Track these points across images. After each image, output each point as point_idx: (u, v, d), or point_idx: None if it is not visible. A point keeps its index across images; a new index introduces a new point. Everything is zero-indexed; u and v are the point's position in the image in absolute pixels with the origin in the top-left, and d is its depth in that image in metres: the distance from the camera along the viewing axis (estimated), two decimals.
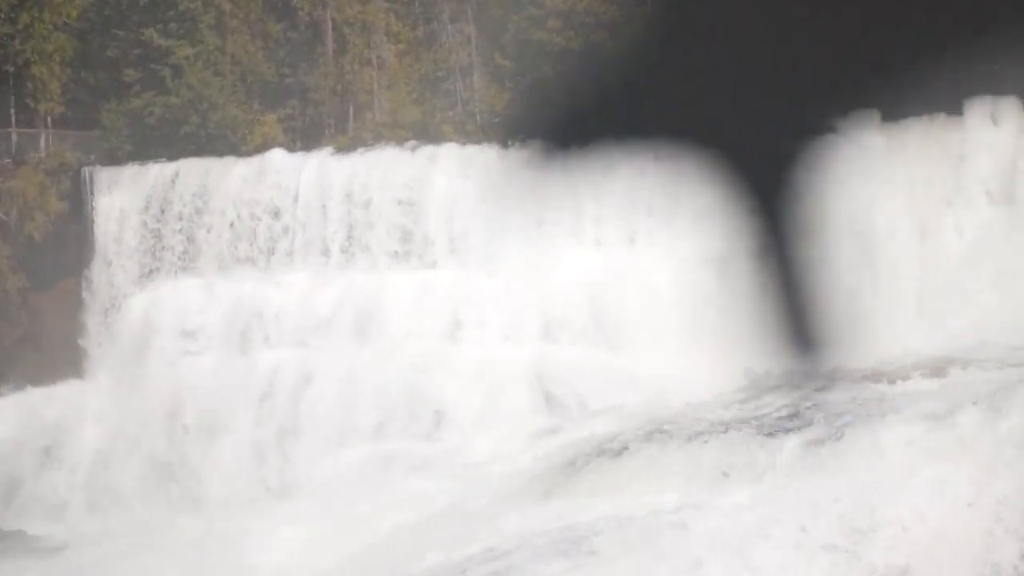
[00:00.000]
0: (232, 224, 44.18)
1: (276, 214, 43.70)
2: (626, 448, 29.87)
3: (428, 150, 43.59)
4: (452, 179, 42.47)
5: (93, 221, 45.79)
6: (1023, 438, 26.05)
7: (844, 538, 25.44)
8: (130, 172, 46.34)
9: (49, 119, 49.72)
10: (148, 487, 41.38)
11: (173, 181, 45.27)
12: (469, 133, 46.50)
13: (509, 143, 44.04)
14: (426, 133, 45.83)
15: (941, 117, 38.90)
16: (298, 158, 44.86)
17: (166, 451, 41.49)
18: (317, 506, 34.53)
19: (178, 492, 40.85)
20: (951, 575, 24.84)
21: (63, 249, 45.85)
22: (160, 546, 35.06)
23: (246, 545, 33.28)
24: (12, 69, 48.21)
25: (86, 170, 46.75)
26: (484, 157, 43.01)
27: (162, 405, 41.76)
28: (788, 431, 28.26)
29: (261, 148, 46.07)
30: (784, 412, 29.58)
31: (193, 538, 34.87)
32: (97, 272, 45.37)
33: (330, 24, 50.73)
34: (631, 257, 39.88)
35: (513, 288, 40.41)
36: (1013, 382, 27.94)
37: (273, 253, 43.65)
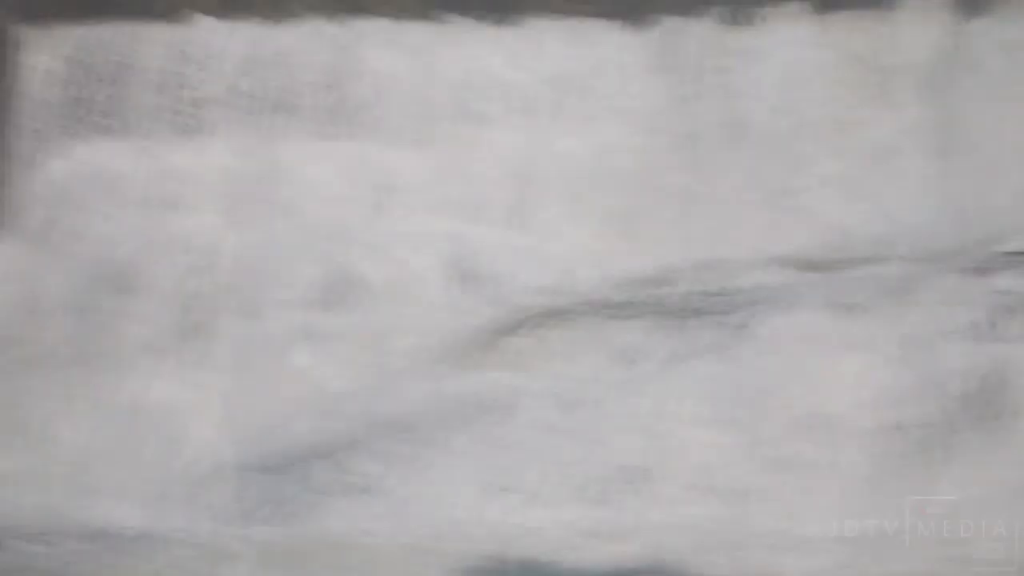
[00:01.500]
0: (157, 89, 43.83)
1: (201, 80, 43.40)
2: (537, 328, 30.18)
3: (357, 24, 43.22)
4: (380, 53, 42.25)
5: (14, 81, 45.22)
6: (928, 329, 26.58)
7: (747, 421, 25.98)
8: (56, 32, 45.70)
9: None
10: (67, 347, 41.40)
11: (99, 42, 44.75)
12: (402, 7, 46.13)
13: (440, 17, 43.80)
14: (357, 5, 45.39)
15: (871, 12, 38.86)
16: (225, 25, 44.40)
17: (84, 312, 41.47)
18: (232, 374, 34.75)
19: (96, 353, 40.92)
20: (852, 462, 25.42)
21: None
22: (84, 409, 35.16)
23: (169, 411, 33.50)
24: None
25: (9, 29, 46.11)
26: (415, 32, 42.79)
27: (81, 266, 41.67)
28: (695, 315, 28.64)
29: (186, 15, 45.51)
30: (693, 299, 29.91)
31: (117, 400, 35.01)
32: (17, 134, 44.89)
33: None
34: (555, 138, 39.94)
35: (436, 165, 40.46)
36: (922, 275, 28.40)
37: (198, 119, 43.37)
